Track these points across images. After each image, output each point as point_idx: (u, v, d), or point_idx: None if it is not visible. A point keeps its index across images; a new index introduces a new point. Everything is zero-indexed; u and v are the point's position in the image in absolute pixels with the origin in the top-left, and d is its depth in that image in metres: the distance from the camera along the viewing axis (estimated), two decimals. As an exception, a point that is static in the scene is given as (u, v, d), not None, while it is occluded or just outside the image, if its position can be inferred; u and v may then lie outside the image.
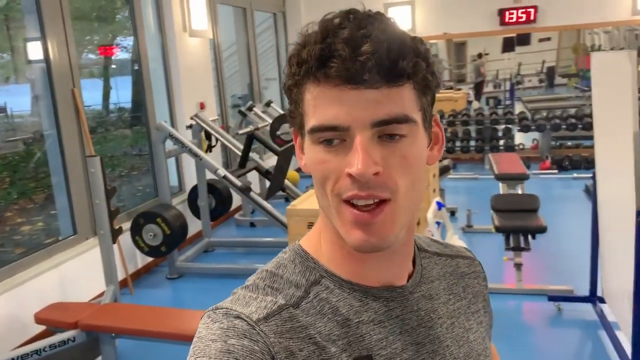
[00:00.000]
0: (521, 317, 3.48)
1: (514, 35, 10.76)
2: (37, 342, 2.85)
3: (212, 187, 4.89)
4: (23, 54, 4.32)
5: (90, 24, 5.37)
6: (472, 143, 7.59)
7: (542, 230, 3.57)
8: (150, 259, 4.46)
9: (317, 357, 0.58)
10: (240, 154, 4.57)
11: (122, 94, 6.11)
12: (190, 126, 4.81)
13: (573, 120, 7.09)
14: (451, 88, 11.90)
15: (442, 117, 7.63)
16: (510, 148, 7.35)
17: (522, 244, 3.69)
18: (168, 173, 4.41)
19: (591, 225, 3.33)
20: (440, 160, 5.15)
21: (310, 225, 2.68)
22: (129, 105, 6.03)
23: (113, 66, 5.67)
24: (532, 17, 7.35)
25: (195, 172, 4.72)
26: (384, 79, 0.54)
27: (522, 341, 3.12)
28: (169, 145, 4.39)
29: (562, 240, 4.36)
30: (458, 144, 7.56)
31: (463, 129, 7.68)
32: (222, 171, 4.14)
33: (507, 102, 10.38)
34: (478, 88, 11.91)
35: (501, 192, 4.24)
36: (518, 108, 9.36)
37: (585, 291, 3.40)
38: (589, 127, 6.99)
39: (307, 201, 3.52)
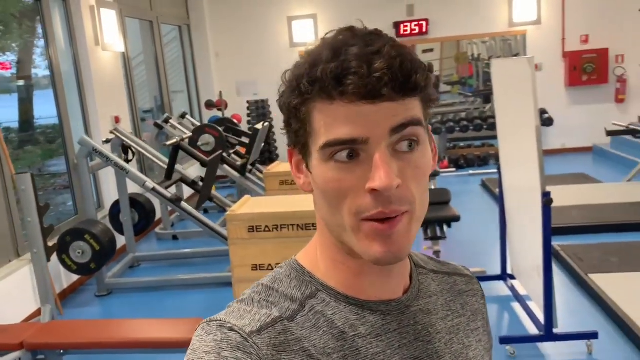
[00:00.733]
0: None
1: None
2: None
3: (134, 201, 4.83)
4: None
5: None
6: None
7: (457, 219, 3.96)
8: (75, 278, 4.32)
9: None
10: (164, 165, 4.57)
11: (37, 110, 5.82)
12: (107, 140, 4.73)
13: (465, 123, 7.77)
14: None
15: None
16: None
17: (439, 234, 4.07)
18: (92, 188, 4.31)
19: (499, 212, 3.77)
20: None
21: (251, 229, 2.87)
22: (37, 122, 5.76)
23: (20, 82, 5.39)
24: (424, 30, 7.99)
25: (116, 187, 4.64)
26: (399, 93, 0.55)
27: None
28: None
29: (471, 228, 4.84)
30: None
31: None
32: (151, 183, 4.14)
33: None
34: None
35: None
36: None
37: (497, 270, 3.84)
38: (479, 128, 7.73)
39: (246, 206, 3.65)
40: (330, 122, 0.56)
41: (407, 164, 0.56)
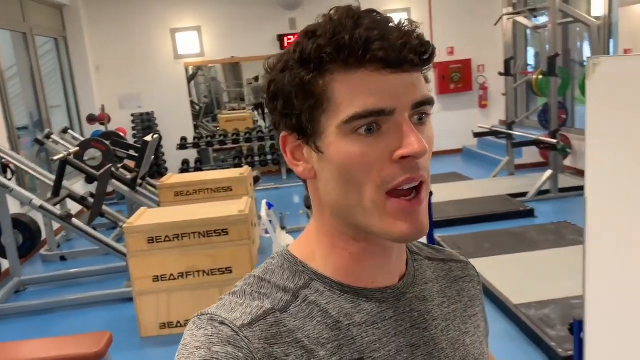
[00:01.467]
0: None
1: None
2: None
3: (17, 222, 4.56)
4: None
5: None
6: (269, 157, 8.22)
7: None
8: (-47, 308, 3.99)
9: None
10: (48, 182, 4.38)
11: None
12: (-17, 159, 4.43)
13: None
14: (234, 109, 12.55)
15: (237, 134, 8.12)
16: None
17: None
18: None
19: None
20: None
21: (151, 240, 2.94)
22: None
23: None
24: (307, 42, 8.29)
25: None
26: (418, 64, 0.57)
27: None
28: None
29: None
30: (257, 159, 8.12)
31: (259, 145, 8.29)
32: (38, 201, 3.96)
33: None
34: (261, 108, 12.76)
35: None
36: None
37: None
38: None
39: (143, 217, 3.64)
40: (356, 93, 0.55)
41: (422, 133, 0.57)
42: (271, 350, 0.56)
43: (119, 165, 5.60)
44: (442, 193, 5.51)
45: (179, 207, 4.10)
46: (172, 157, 8.09)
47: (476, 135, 7.15)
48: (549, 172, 5.81)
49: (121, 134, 6.62)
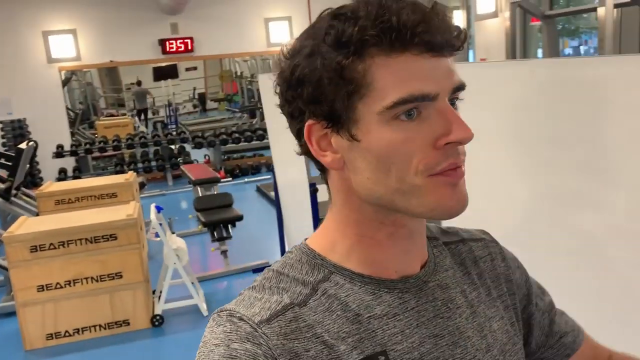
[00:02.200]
0: (235, 291, 4.18)
1: (163, 65, 11.70)
2: None
3: None
4: None
5: None
6: (153, 163, 8.07)
7: (240, 218, 4.37)
8: None
9: (325, 357, 0.56)
10: None
11: None
12: None
13: (237, 135, 8.28)
14: (112, 115, 12.10)
15: (119, 141, 7.88)
16: (188, 164, 8.11)
17: (225, 234, 4.42)
18: None
19: (276, 208, 4.28)
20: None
21: (34, 249, 2.93)
22: None
23: None
24: (190, 47, 8.28)
25: None
26: (455, 48, 0.57)
27: (242, 308, 3.84)
28: None
29: (253, 227, 5.30)
30: (140, 165, 7.93)
31: (142, 151, 8.10)
32: None
33: (172, 126, 11.22)
34: (144, 114, 12.41)
35: (200, 195, 4.89)
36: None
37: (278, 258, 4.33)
38: (250, 139, 8.31)
39: (24, 226, 3.51)
40: (400, 77, 0.54)
41: None
42: (291, 346, 0.55)
43: (-11, 175, 5.24)
44: (326, 193, 5.82)
45: (63, 214, 3.97)
46: (48, 166, 7.65)
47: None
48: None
49: (-11, 142, 6.17)
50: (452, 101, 0.58)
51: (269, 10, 8.55)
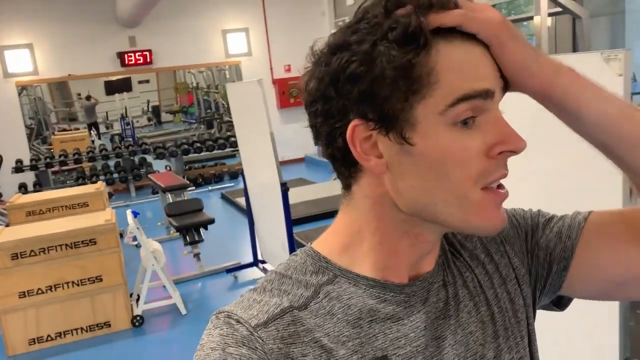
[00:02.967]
0: (210, 291, 4.38)
1: (114, 79, 11.69)
2: None
3: None
4: None
5: None
6: (116, 175, 8.10)
7: (212, 221, 4.55)
8: None
9: None
10: None
11: None
12: None
13: (199, 145, 8.42)
14: (65, 130, 11.97)
15: (79, 154, 7.89)
16: (152, 174, 8.18)
17: (197, 237, 4.59)
18: None
19: (246, 209, 4.49)
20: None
21: (15, 257, 3.09)
22: None
23: None
24: (149, 60, 8.39)
25: None
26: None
27: (218, 306, 4.02)
28: None
29: (222, 231, 5.48)
30: (102, 177, 7.96)
31: (102, 164, 8.13)
32: None
33: (128, 139, 11.20)
34: (95, 128, 12.33)
35: (170, 201, 5.04)
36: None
37: (250, 259, 4.54)
38: (212, 149, 8.47)
39: (2, 235, 3.61)
40: (461, 70, 0.51)
41: None
42: (287, 351, 0.54)
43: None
44: (293, 196, 6.02)
45: (41, 222, 4.06)
46: (6, 182, 7.59)
47: (317, 143, 7.83)
48: (380, 172, 6.67)
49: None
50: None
51: (226, 22, 8.76)
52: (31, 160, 7.74)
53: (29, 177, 7.79)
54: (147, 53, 8.33)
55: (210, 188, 8.02)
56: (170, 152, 8.19)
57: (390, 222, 0.58)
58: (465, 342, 0.62)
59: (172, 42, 8.44)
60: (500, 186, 0.55)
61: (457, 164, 0.52)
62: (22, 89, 9.35)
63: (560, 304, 0.71)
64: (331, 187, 7.08)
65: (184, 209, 4.73)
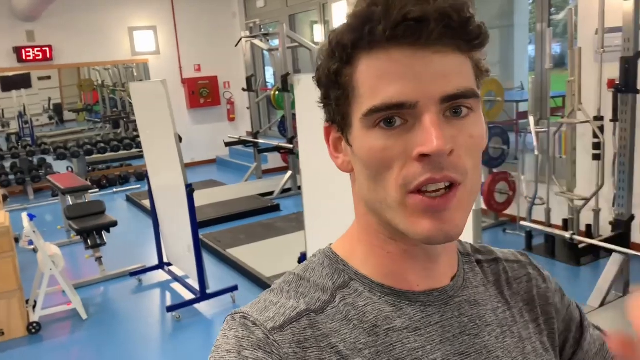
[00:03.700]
0: (113, 295, 4.28)
1: (12, 75, 10.99)
2: None
3: None
4: None
5: None
6: (12, 177, 7.64)
7: (114, 224, 4.44)
8: None
9: None
10: None
11: None
12: None
13: (103, 145, 8.13)
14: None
15: (-29, 154, 7.37)
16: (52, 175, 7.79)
17: (99, 241, 4.47)
18: None
19: (151, 212, 4.44)
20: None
21: None
22: None
23: None
24: (49, 56, 7.98)
25: None
26: (454, 44, 0.51)
27: (128, 310, 3.96)
28: None
29: (127, 235, 5.35)
30: (-4, 179, 7.49)
31: (-3, 164, 7.65)
32: None
33: (27, 139, 10.57)
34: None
35: (70, 204, 4.85)
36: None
37: (155, 262, 4.49)
38: (117, 149, 8.21)
39: None
40: (378, 81, 0.51)
41: (459, 131, 0.52)
42: (304, 355, 0.53)
43: None
44: (202, 198, 6.02)
45: None
46: None
47: (227, 144, 7.83)
48: (289, 174, 6.80)
49: None
50: (457, 110, 0.51)
51: (133, 19, 8.53)
52: None
53: None
54: (47, 49, 7.93)
55: (115, 190, 7.78)
56: (72, 153, 7.85)
57: (370, 222, 0.58)
58: None
59: (75, 38, 8.09)
60: (435, 192, 0.51)
61: (381, 165, 0.52)
62: None
63: None
64: (243, 188, 7.13)
65: (84, 211, 4.58)
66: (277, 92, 7.17)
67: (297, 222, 5.40)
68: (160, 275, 4.44)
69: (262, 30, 8.36)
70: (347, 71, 0.53)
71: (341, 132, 0.57)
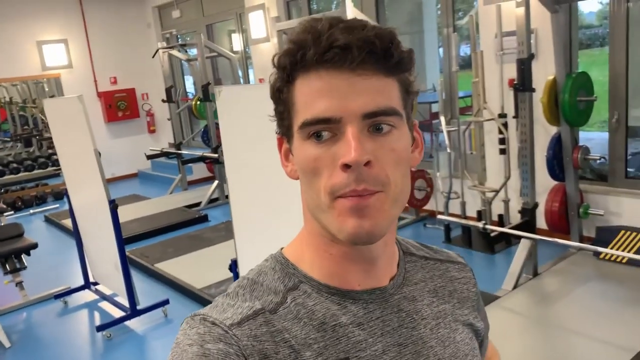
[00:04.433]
0: (38, 320, 4.11)
1: None
2: None
3: None
4: None
5: None
6: None
7: (34, 246, 4.28)
8: None
9: None
10: None
11: None
12: None
13: (15, 165, 7.73)
14: None
15: None
16: (-42, 201, 7.33)
17: (19, 265, 4.28)
18: None
19: (74, 232, 4.31)
20: None
21: None
22: None
23: None
24: (-52, 73, 7.50)
25: None
26: (377, 68, 0.56)
27: (55, 333, 3.82)
28: None
29: (49, 257, 5.14)
30: None
31: None
32: None
33: None
34: None
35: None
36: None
37: (80, 282, 4.36)
38: (31, 169, 7.85)
39: None
40: (308, 99, 0.57)
41: (381, 145, 0.57)
42: (261, 347, 0.58)
43: None
44: (126, 214, 5.87)
45: None
46: None
47: (149, 157, 7.67)
48: (215, 183, 6.78)
49: None
50: (378, 126, 0.57)
51: (42, 32, 8.19)
52: None
53: None
54: (-53, 65, 7.45)
55: (32, 211, 7.42)
56: (-18, 175, 7.41)
57: (314, 226, 0.63)
58: (427, 354, 0.66)
59: (-25, 54, 7.65)
60: (357, 196, 0.56)
61: (313, 173, 0.58)
62: None
63: None
64: (168, 201, 7.02)
65: (1, 235, 4.38)
66: (198, 102, 7.13)
67: (226, 232, 5.42)
68: (86, 296, 4.32)
69: (180, 40, 8.28)
70: (288, 89, 0.59)
71: (288, 143, 0.62)
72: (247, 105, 2.24)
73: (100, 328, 3.61)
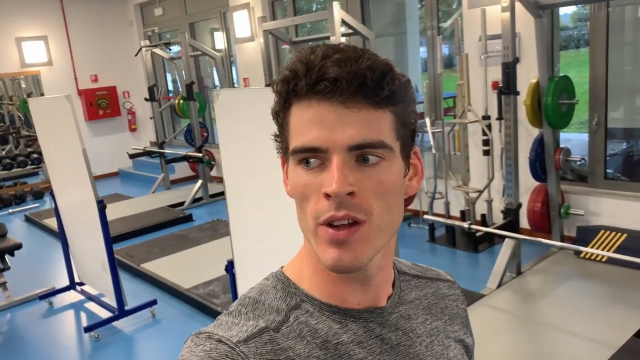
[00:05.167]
0: (22, 321, 4.07)
1: None
2: None
3: None
4: None
5: None
6: None
7: (18, 246, 4.23)
8: None
9: None
10: None
11: None
12: None
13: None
14: None
15: None
16: None
17: (2, 266, 4.23)
18: None
19: (59, 231, 4.27)
20: None
21: None
22: None
23: None
24: None
25: None
26: (367, 101, 0.57)
27: (41, 335, 3.79)
28: None
29: (32, 257, 5.07)
30: None
31: None
32: None
33: None
34: None
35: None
36: None
37: (66, 283, 4.32)
38: (10, 167, 7.71)
39: None
40: (300, 126, 0.58)
41: (367, 176, 0.58)
42: None
43: None
44: (108, 212, 5.77)
45: None
46: None
47: (131, 156, 7.60)
48: (199, 182, 6.76)
49: None
50: (365, 157, 0.58)
51: (21, 29, 8.06)
52: None
53: None
54: None
55: (11, 210, 7.30)
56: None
57: (311, 249, 0.63)
58: None
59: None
60: (339, 227, 0.58)
61: (303, 198, 0.59)
62: None
63: None
64: (151, 200, 6.98)
65: (-17, 235, 4.32)
66: (181, 101, 7.09)
67: (211, 232, 5.42)
68: (72, 296, 4.28)
69: (161, 38, 8.22)
70: (284, 114, 0.61)
71: (287, 163, 0.64)
72: (246, 108, 2.25)
73: (88, 329, 3.59)
